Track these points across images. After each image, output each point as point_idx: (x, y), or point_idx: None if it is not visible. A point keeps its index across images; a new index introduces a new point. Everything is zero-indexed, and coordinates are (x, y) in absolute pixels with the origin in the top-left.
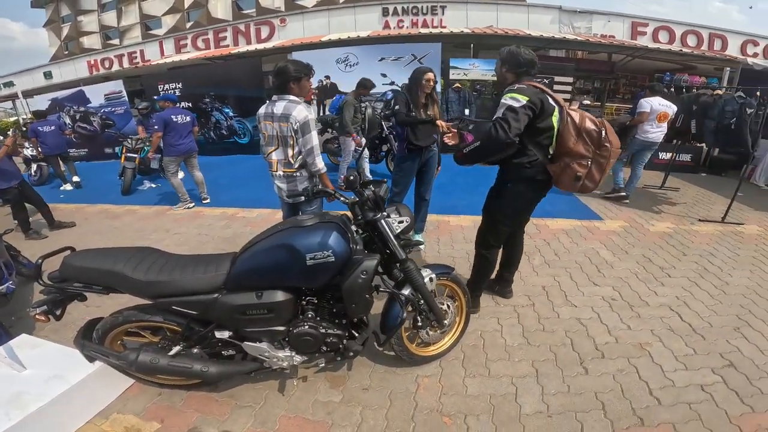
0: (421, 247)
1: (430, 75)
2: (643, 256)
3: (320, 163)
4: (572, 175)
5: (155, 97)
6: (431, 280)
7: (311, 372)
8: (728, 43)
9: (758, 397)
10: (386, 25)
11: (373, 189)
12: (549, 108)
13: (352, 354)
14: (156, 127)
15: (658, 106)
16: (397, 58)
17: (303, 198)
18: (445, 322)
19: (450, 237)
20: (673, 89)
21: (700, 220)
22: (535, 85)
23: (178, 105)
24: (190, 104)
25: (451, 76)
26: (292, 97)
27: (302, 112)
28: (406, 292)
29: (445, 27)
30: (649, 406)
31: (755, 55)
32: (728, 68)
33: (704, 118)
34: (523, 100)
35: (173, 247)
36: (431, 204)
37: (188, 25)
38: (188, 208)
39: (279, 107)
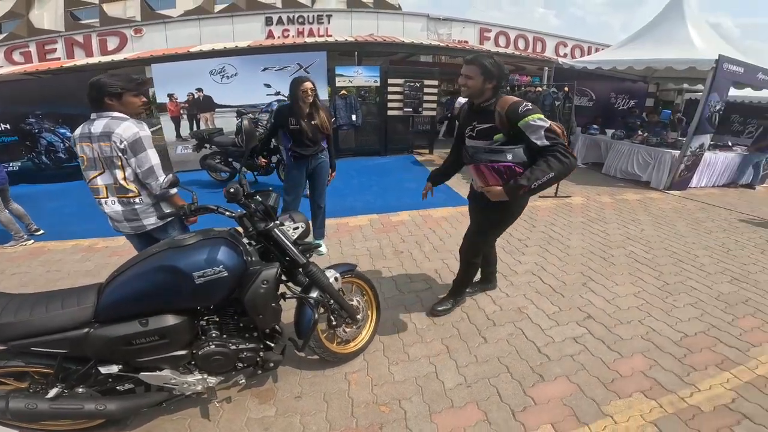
0: (323, 250)
1: (307, 84)
2: (508, 233)
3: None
4: None
5: None
6: (336, 279)
7: (234, 391)
8: (546, 45)
9: (621, 343)
10: (270, 35)
11: (260, 199)
12: None
13: (272, 365)
14: None
15: (464, 101)
16: (281, 68)
17: (158, 224)
18: (358, 317)
19: (350, 237)
20: (508, 88)
21: (539, 196)
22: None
23: None
24: (8, 126)
25: (338, 84)
26: (115, 114)
27: (130, 128)
28: (314, 294)
29: (331, 36)
30: (543, 363)
31: (565, 55)
32: (546, 67)
33: None
34: (545, 118)
35: (16, 289)
36: (330, 208)
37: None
38: (25, 244)
39: (98, 126)
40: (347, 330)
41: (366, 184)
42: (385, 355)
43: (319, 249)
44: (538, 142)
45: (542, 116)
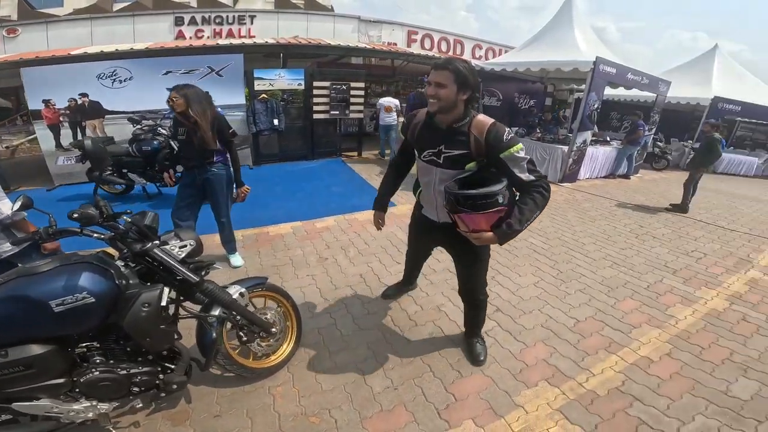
0: (238, 263)
1: (171, 95)
2: None
3: (2, 208)
4: None
5: None
6: (242, 295)
7: (142, 415)
8: (465, 47)
9: (525, 333)
10: (180, 35)
11: (128, 219)
12: None
13: (176, 387)
14: None
15: (384, 102)
16: (188, 71)
17: (13, 250)
18: (273, 330)
19: (271, 247)
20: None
21: None
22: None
23: None
24: None
25: (256, 87)
26: None
27: None
28: (215, 312)
29: (254, 37)
30: (460, 359)
31: (480, 57)
32: None
33: None
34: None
35: None
36: (250, 218)
37: None
38: None
39: None
40: (263, 344)
41: (290, 191)
42: (311, 365)
43: (235, 261)
44: (523, 176)
45: (522, 148)
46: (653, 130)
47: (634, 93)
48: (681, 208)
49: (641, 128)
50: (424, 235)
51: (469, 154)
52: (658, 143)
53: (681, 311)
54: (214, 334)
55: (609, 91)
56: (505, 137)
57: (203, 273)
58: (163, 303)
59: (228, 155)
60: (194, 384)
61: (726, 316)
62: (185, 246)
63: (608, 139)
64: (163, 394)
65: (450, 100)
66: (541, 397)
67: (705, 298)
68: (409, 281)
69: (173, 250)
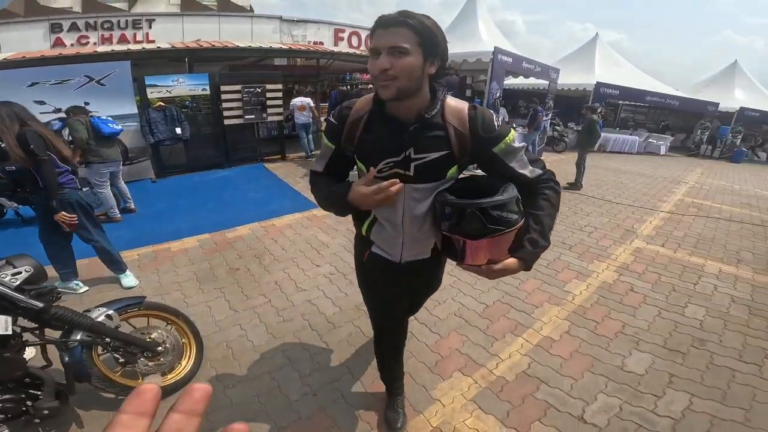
0: (131, 283)
1: None
2: (348, 229)
3: None
4: None
5: None
6: (110, 317)
7: None
8: None
9: (439, 324)
10: (58, 43)
11: None
12: None
13: (48, 412)
14: None
15: (296, 101)
16: (60, 82)
17: None
18: (160, 349)
19: (172, 263)
20: (349, 87)
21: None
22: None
23: None
24: None
25: (150, 95)
26: None
27: None
28: (77, 336)
29: (153, 41)
30: None
31: None
32: None
33: None
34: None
35: None
36: (147, 235)
37: None
38: None
39: None
40: (151, 364)
41: (199, 202)
42: (218, 379)
43: (127, 281)
44: (526, 173)
45: (516, 133)
46: (550, 115)
47: (538, 82)
48: (575, 185)
49: (540, 114)
50: (385, 283)
51: (450, 154)
52: (557, 127)
53: (576, 287)
54: (67, 358)
55: (516, 81)
56: (496, 124)
57: (51, 298)
58: (6, 331)
59: (74, 176)
60: (84, 408)
61: (616, 288)
62: (20, 273)
63: (514, 126)
64: (37, 420)
65: (414, 77)
66: (456, 388)
67: (597, 272)
68: (395, 380)
69: (4, 278)
